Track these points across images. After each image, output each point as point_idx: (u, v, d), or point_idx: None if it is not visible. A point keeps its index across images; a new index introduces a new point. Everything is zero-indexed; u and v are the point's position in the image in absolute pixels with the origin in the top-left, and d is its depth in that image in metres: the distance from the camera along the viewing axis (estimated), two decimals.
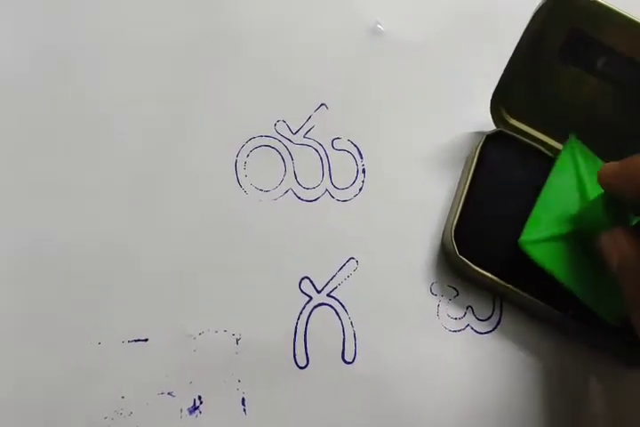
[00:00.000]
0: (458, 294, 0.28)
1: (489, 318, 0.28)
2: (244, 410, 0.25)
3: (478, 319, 0.28)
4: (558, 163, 0.28)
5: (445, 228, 0.28)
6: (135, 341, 0.25)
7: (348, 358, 0.26)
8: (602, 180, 0.24)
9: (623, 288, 0.24)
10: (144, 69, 0.29)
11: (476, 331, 0.28)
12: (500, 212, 0.27)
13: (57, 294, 0.25)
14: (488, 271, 0.26)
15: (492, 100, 0.28)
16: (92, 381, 0.25)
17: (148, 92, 0.29)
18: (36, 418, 0.24)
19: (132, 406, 0.25)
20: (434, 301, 0.28)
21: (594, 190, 0.26)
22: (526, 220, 0.26)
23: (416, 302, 0.28)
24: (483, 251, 0.27)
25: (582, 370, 0.27)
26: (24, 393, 0.24)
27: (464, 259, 0.26)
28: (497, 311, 0.28)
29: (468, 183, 0.27)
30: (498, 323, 0.28)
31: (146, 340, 0.25)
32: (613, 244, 0.24)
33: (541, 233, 0.26)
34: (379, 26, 0.31)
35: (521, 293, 0.26)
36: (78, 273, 0.26)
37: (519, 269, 0.26)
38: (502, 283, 0.26)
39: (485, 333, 0.28)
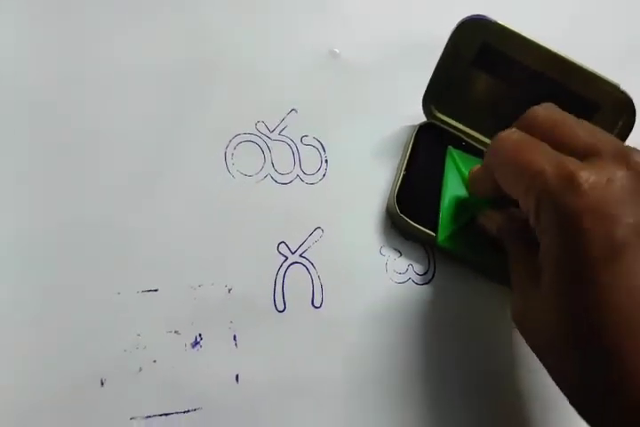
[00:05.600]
0: (401, 255, 0.33)
1: (425, 273, 0.33)
2: (236, 344, 0.29)
3: (417, 274, 0.33)
4: (445, 170, 0.33)
5: (389, 195, 0.33)
6: (148, 291, 0.29)
7: (317, 304, 0.31)
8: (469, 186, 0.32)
9: (505, 247, 0.30)
10: (149, 84, 0.33)
11: (416, 283, 0.33)
12: (430, 182, 0.33)
13: (84, 257, 0.29)
14: (424, 227, 0.32)
15: (423, 99, 0.33)
16: (114, 322, 0.28)
17: (153, 103, 0.33)
18: (64, 351, 0.27)
19: (145, 341, 0.28)
20: (383, 260, 0.33)
21: None
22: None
23: (369, 260, 0.32)
24: (419, 211, 0.32)
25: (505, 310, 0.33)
26: (57, 332, 0.28)
27: (404, 217, 0.31)
28: (431, 269, 0.33)
29: (406, 161, 0.32)
30: (432, 277, 0.33)
31: (156, 290, 0.29)
32: (488, 220, 0.31)
33: (450, 228, 0.32)
34: (335, 49, 0.37)
35: None
36: (101, 242, 0.29)
37: None
38: (434, 234, 0.32)
39: (423, 284, 0.33)
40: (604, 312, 0.23)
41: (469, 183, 0.32)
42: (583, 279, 0.23)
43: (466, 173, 0.33)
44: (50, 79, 0.32)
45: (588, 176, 0.23)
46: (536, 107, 0.27)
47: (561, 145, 0.25)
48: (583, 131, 0.26)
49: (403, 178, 0.32)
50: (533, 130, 0.26)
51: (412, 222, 0.31)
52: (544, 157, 0.25)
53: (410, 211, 0.32)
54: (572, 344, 0.24)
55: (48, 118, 0.31)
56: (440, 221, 0.32)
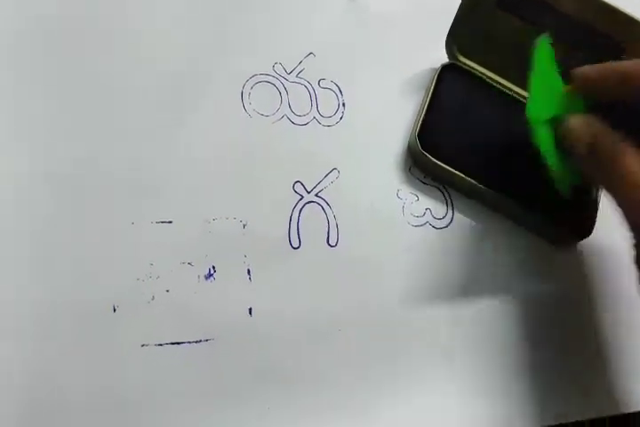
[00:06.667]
0: (418, 199, 0.33)
1: (443, 217, 0.33)
2: (250, 278, 0.29)
3: (435, 218, 0.32)
4: (535, 59, 0.28)
5: (411, 132, 0.32)
6: (162, 222, 0.29)
7: (332, 243, 0.31)
8: (578, 80, 0.27)
9: (593, 167, 0.26)
10: (170, 19, 0.33)
11: (433, 226, 0.32)
12: (451, 120, 0.32)
13: (101, 186, 0.29)
14: (445, 164, 0.31)
15: (446, 41, 0.33)
16: (127, 250, 0.28)
17: (172, 39, 0.32)
18: (78, 277, 0.27)
19: (159, 271, 0.28)
20: (400, 203, 0.32)
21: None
22: (470, 127, 0.32)
23: (385, 203, 0.32)
24: (441, 149, 0.31)
25: (522, 251, 0.32)
26: (70, 258, 0.27)
27: (425, 153, 0.31)
28: (449, 213, 0.33)
29: (428, 99, 0.32)
30: (450, 221, 0.33)
31: (170, 222, 0.29)
32: (585, 126, 0.26)
33: (542, 115, 0.27)
34: None
35: (470, 180, 0.31)
36: (118, 173, 0.29)
37: (468, 162, 0.31)
38: (456, 172, 0.31)
39: (441, 228, 0.32)
40: None
41: (579, 77, 0.27)
42: None
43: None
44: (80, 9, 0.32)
45: None
46: None
47: None
48: None
49: (425, 115, 0.32)
50: None
51: (433, 159, 0.31)
52: None
53: (432, 148, 0.31)
54: None
55: (76, 51, 0.31)
56: (531, 97, 0.27)
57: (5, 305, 0.26)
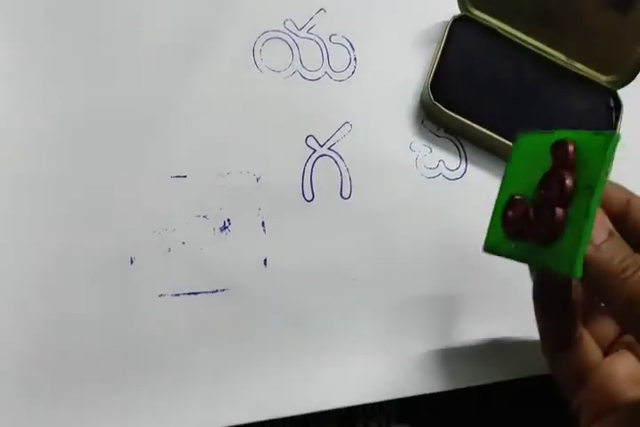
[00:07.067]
0: (431, 151, 0.32)
1: (457, 168, 0.32)
2: (264, 230, 0.29)
3: (449, 169, 0.32)
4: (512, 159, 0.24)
5: (424, 85, 0.32)
6: (177, 177, 0.29)
7: (345, 195, 0.31)
8: None
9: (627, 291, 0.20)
10: None
11: (447, 178, 0.32)
12: (463, 71, 0.32)
13: (116, 142, 0.29)
14: (457, 115, 0.31)
15: None
16: (143, 204, 0.28)
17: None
18: (95, 229, 0.28)
19: (174, 224, 0.29)
20: (412, 155, 0.32)
21: None
22: (482, 78, 0.31)
23: (398, 155, 0.32)
24: (452, 99, 0.31)
25: None
26: (87, 211, 0.28)
27: (438, 104, 0.31)
28: (463, 164, 0.33)
29: (440, 51, 0.32)
30: (464, 172, 0.32)
31: (185, 176, 0.30)
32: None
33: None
34: None
35: (483, 129, 0.31)
36: (132, 129, 0.29)
37: (481, 112, 0.31)
38: (468, 122, 0.31)
39: (455, 179, 0.32)
40: None
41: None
42: None
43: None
44: None
45: None
46: None
47: None
48: None
49: (437, 67, 0.31)
50: None
51: (445, 110, 0.31)
52: None
53: (444, 99, 0.31)
54: None
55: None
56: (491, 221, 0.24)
57: (24, 252, 0.27)
